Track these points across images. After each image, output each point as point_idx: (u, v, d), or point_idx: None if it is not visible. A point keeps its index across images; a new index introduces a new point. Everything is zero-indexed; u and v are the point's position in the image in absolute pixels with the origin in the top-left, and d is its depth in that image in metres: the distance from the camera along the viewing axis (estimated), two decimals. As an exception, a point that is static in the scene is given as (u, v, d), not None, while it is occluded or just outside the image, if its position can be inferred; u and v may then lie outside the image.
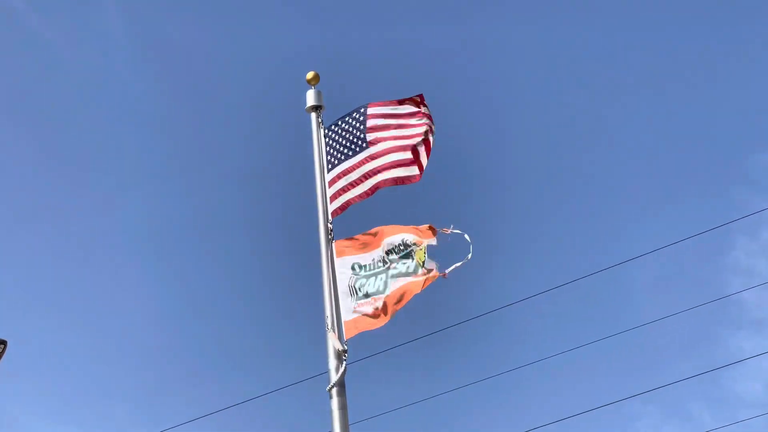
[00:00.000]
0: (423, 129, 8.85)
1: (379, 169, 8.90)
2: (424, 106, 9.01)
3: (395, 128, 9.01)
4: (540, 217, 28.07)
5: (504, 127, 28.18)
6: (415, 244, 8.28)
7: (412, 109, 9.05)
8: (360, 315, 8.10)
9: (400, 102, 9.15)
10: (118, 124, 29.51)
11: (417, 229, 8.42)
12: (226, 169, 29.12)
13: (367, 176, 8.93)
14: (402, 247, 8.32)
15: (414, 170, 8.79)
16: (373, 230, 8.58)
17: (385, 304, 8.07)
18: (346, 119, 9.27)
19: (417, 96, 9.05)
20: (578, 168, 28.65)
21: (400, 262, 8.25)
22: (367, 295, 8.19)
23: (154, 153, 29.98)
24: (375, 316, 8.08)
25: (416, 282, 8.10)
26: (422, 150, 8.82)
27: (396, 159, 8.88)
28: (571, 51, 29.92)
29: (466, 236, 8.18)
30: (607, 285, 24.75)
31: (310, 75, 9.61)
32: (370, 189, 8.92)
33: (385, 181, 8.87)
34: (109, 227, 29.14)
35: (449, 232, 8.28)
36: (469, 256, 8.09)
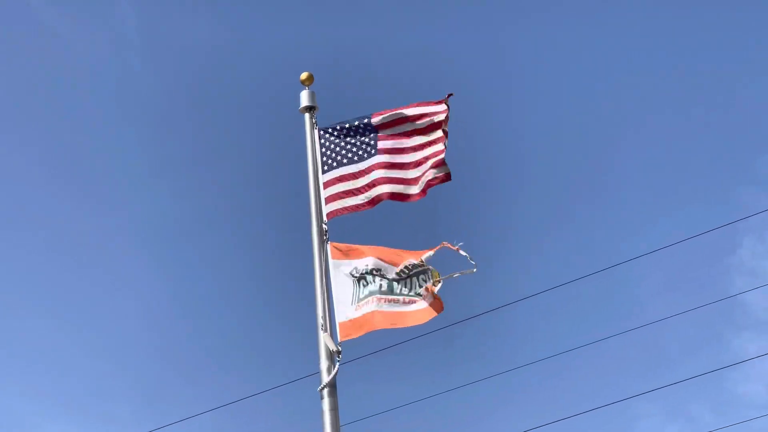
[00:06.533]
0: (441, 152, 8.70)
1: (384, 180, 8.89)
2: (442, 111, 8.80)
3: (411, 147, 8.94)
4: (545, 215, 28.04)
5: (509, 128, 28.14)
6: (420, 266, 8.24)
7: (427, 119, 8.89)
8: (356, 317, 8.08)
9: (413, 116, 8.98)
10: (120, 121, 29.54)
11: (414, 253, 8.40)
12: (220, 168, 29.15)
13: (372, 185, 8.91)
14: (406, 271, 8.27)
15: (414, 189, 8.78)
16: (373, 247, 8.49)
17: (382, 313, 8.07)
18: (352, 124, 9.19)
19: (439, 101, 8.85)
20: (584, 167, 28.61)
21: (401, 284, 8.21)
22: (367, 296, 8.18)
23: (149, 152, 30.00)
24: (369, 320, 8.06)
25: (421, 311, 8.08)
26: (431, 173, 8.71)
27: (402, 176, 8.87)
28: (577, 52, 29.88)
29: (469, 258, 8.15)
30: (612, 284, 24.70)
31: (304, 75, 9.60)
32: (374, 198, 8.89)
33: (388, 194, 8.84)
34: (104, 227, 29.22)
35: (456, 249, 8.23)
36: (474, 269, 8.12)
